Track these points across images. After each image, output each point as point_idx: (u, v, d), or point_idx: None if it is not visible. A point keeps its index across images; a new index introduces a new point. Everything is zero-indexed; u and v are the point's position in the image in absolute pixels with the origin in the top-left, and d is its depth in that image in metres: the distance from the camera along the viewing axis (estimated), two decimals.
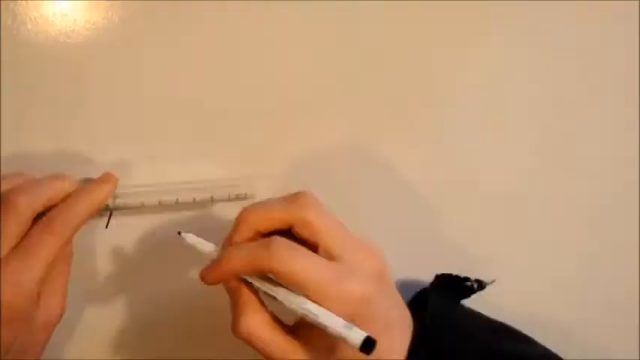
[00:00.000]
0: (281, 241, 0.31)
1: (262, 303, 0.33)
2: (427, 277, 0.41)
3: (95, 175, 0.36)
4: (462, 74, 0.45)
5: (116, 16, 0.37)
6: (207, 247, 0.35)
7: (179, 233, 0.36)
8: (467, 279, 0.41)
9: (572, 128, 0.48)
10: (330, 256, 0.32)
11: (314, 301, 0.31)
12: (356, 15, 0.41)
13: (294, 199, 0.33)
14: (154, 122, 0.40)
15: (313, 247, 0.33)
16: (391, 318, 0.33)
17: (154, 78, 0.39)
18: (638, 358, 0.52)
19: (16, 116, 0.37)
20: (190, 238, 0.36)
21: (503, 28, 0.45)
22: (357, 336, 0.29)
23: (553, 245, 0.49)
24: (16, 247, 0.32)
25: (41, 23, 0.36)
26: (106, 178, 0.36)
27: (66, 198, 0.34)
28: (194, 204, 0.40)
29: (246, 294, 0.33)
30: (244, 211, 0.34)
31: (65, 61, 0.37)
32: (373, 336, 0.30)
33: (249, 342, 0.33)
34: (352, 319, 0.31)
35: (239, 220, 0.34)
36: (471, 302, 0.41)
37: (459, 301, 0.41)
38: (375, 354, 0.30)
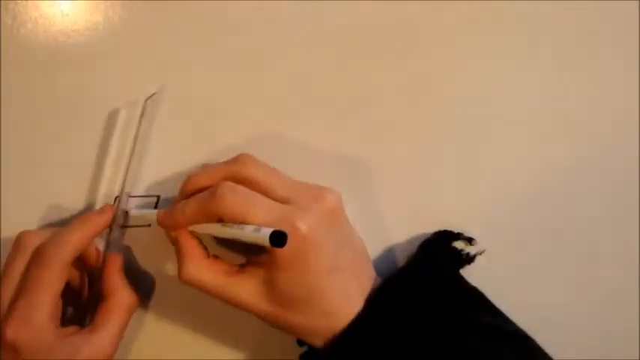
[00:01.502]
0: (225, 185, 0.33)
1: (203, 249, 0.36)
2: None
3: (94, 175, 0.36)
4: (461, 74, 0.45)
5: (116, 16, 0.37)
6: (151, 212, 0.37)
7: (126, 212, 0.38)
8: (459, 235, 0.42)
9: (572, 129, 0.48)
10: (279, 201, 0.34)
11: None
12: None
13: (233, 159, 0.35)
14: (152, 123, 0.40)
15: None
16: (340, 262, 0.34)
17: (154, 78, 0.39)
18: (638, 358, 0.52)
19: (16, 116, 0.37)
20: (134, 212, 0.38)
21: (502, 27, 0.45)
22: (265, 233, 0.31)
23: (553, 244, 0.49)
24: (20, 285, 0.34)
25: (41, 23, 0.36)
26: (104, 208, 0.37)
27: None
28: None
29: (186, 242, 0.35)
30: (189, 176, 0.36)
31: (65, 61, 0.37)
32: (321, 280, 0.33)
33: (193, 287, 0.35)
34: (296, 256, 0.33)
35: (185, 182, 0.36)
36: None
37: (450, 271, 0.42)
38: (317, 293, 0.33)
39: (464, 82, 0.45)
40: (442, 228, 0.43)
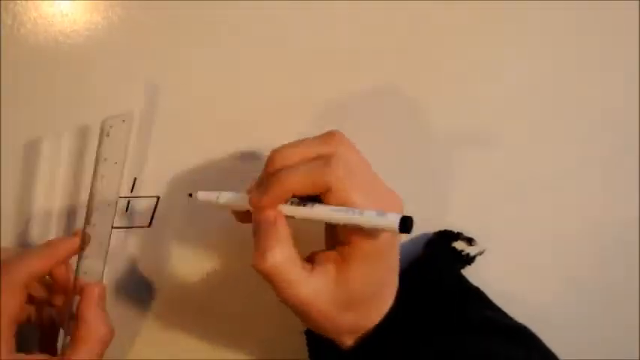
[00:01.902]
0: (340, 159, 0.31)
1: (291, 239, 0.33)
2: None
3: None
4: (463, 74, 0.45)
5: (116, 16, 0.37)
6: (226, 196, 0.35)
7: (190, 195, 0.35)
8: (459, 235, 0.42)
9: (572, 132, 0.48)
10: None
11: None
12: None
13: (327, 136, 0.33)
14: (153, 122, 0.40)
15: None
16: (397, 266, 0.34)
17: (154, 78, 0.39)
18: (638, 358, 0.52)
19: (16, 116, 0.37)
20: (202, 194, 0.35)
21: (502, 27, 0.45)
22: (393, 218, 0.29)
23: (552, 243, 0.49)
24: None
25: (41, 23, 0.36)
26: (72, 238, 0.35)
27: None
28: None
29: (282, 227, 0.32)
30: (276, 151, 0.33)
31: (65, 61, 0.37)
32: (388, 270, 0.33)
33: (269, 277, 0.32)
34: (380, 252, 0.32)
35: (271, 159, 0.33)
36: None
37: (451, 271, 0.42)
38: (381, 291, 0.33)
39: (468, 80, 0.45)
40: (443, 228, 0.43)
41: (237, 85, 0.41)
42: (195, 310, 0.44)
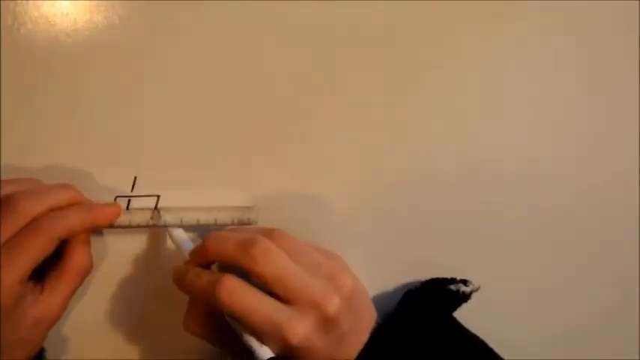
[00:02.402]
0: (225, 283, 0.34)
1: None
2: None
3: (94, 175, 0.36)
4: (462, 73, 0.45)
5: (116, 16, 0.37)
6: (185, 245, 0.39)
7: (165, 226, 0.39)
8: (453, 280, 0.42)
9: (571, 132, 0.48)
10: (282, 300, 0.35)
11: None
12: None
13: (247, 246, 0.35)
14: (153, 123, 0.40)
15: None
16: (339, 348, 0.36)
17: (154, 79, 0.39)
18: (638, 358, 0.52)
19: (16, 116, 0.37)
20: (178, 232, 0.39)
21: (503, 27, 0.45)
22: (262, 355, 0.34)
23: (552, 244, 0.49)
24: (4, 246, 0.33)
25: (41, 23, 0.36)
26: (114, 204, 0.38)
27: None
28: (197, 226, 0.40)
29: (191, 303, 0.38)
30: (208, 236, 0.37)
31: (65, 61, 0.37)
32: None
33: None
34: (288, 355, 0.35)
35: (203, 242, 0.37)
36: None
37: (446, 312, 0.42)
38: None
39: (464, 81, 0.45)
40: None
41: (238, 86, 0.41)
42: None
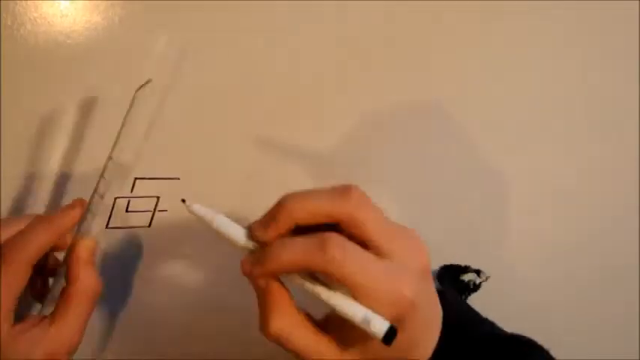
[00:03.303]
0: (337, 241, 0.29)
1: (294, 302, 0.32)
2: None
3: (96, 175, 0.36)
4: (464, 74, 0.45)
5: (116, 16, 0.37)
6: (222, 222, 0.32)
7: (183, 201, 0.33)
8: (467, 268, 0.42)
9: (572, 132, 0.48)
10: (379, 254, 0.30)
11: (359, 301, 0.29)
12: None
13: (343, 193, 0.30)
14: (152, 123, 0.40)
15: (361, 243, 0.30)
16: (430, 317, 0.33)
17: (154, 79, 0.39)
18: (638, 358, 0.52)
19: (16, 116, 0.37)
20: (198, 208, 0.33)
21: (502, 28, 0.45)
22: (379, 326, 0.28)
23: (552, 244, 0.49)
24: None
25: (41, 23, 0.36)
26: (73, 203, 0.35)
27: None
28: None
29: (277, 292, 0.31)
30: (287, 200, 0.31)
31: (65, 61, 0.37)
32: (413, 336, 0.30)
33: (279, 343, 0.31)
34: (398, 320, 0.30)
35: (280, 209, 0.31)
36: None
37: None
38: (411, 354, 0.31)
39: (465, 82, 0.45)
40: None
41: (238, 86, 0.41)
42: (196, 310, 0.44)
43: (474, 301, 0.42)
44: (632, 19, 0.47)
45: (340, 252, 0.29)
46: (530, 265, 0.49)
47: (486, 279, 0.42)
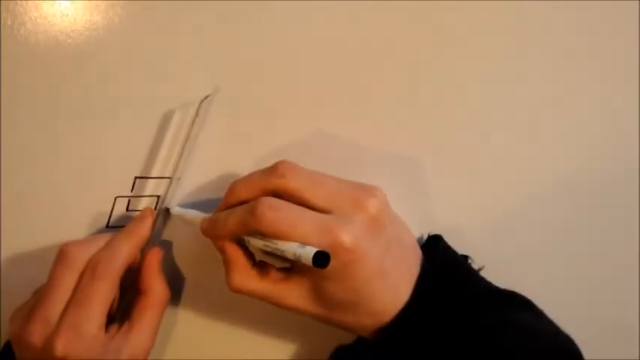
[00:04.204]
0: (264, 202, 0.33)
1: (249, 257, 0.36)
2: None
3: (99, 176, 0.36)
4: (466, 76, 0.45)
5: (116, 16, 0.37)
6: (193, 214, 0.38)
7: (167, 210, 0.39)
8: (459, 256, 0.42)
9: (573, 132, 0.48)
10: (320, 211, 0.34)
11: None
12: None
13: (273, 168, 0.35)
14: (153, 123, 0.40)
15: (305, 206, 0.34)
16: (386, 264, 0.35)
17: (154, 79, 0.39)
18: (638, 358, 0.52)
19: (16, 116, 0.37)
20: (175, 210, 0.39)
21: (503, 28, 0.45)
22: (308, 253, 0.31)
23: (552, 244, 0.49)
24: (71, 298, 0.34)
25: (41, 23, 0.36)
26: (144, 214, 0.38)
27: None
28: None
29: (232, 253, 0.36)
30: (232, 184, 0.36)
31: (65, 61, 0.37)
32: (365, 286, 0.33)
33: (244, 295, 0.36)
34: (341, 269, 0.33)
35: (227, 192, 0.36)
36: None
37: None
38: (366, 298, 0.34)
39: (468, 83, 0.45)
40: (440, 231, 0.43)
41: (238, 85, 0.41)
42: (196, 310, 0.44)
43: None
44: (632, 19, 0.47)
45: (269, 212, 0.33)
46: (529, 265, 0.49)
47: (481, 269, 0.42)
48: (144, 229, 0.37)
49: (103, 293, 0.34)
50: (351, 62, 0.42)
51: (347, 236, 0.32)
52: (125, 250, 0.36)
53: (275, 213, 0.33)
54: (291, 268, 0.36)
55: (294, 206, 0.33)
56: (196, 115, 0.38)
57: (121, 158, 0.39)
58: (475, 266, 0.42)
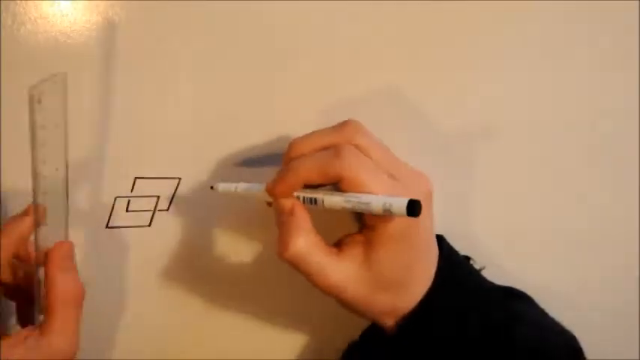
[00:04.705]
0: (350, 148, 0.32)
1: (313, 225, 0.33)
2: None
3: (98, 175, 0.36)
4: (466, 76, 0.45)
5: (116, 16, 0.37)
6: (243, 186, 0.37)
7: (211, 187, 0.38)
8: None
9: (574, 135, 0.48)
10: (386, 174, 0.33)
11: None
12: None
13: (342, 125, 0.33)
14: (153, 123, 0.40)
15: None
16: (430, 241, 0.35)
17: (154, 79, 0.39)
18: (638, 358, 0.52)
19: (16, 116, 0.37)
20: (222, 186, 0.38)
21: (502, 28, 0.45)
22: (402, 201, 0.29)
23: (552, 244, 0.49)
24: None
25: (41, 23, 0.36)
26: (25, 211, 0.34)
27: None
28: None
29: (301, 213, 0.33)
30: (294, 141, 0.34)
31: (65, 61, 0.37)
32: (414, 256, 0.33)
33: (295, 263, 0.33)
34: (403, 235, 0.32)
35: (288, 149, 0.34)
36: None
37: None
38: (410, 277, 0.34)
39: (471, 84, 0.45)
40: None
41: (238, 84, 0.41)
42: (196, 310, 0.44)
43: None
44: (632, 19, 0.47)
45: (355, 159, 0.31)
46: (529, 265, 0.49)
47: (481, 269, 0.42)
48: (19, 229, 0.33)
49: None
50: (351, 62, 0.42)
51: (428, 185, 0.33)
52: (4, 247, 0.32)
53: (359, 160, 0.31)
54: (340, 243, 0.35)
55: (373, 162, 0.32)
56: (38, 101, 0.32)
57: (121, 158, 0.39)
58: (476, 266, 0.42)
